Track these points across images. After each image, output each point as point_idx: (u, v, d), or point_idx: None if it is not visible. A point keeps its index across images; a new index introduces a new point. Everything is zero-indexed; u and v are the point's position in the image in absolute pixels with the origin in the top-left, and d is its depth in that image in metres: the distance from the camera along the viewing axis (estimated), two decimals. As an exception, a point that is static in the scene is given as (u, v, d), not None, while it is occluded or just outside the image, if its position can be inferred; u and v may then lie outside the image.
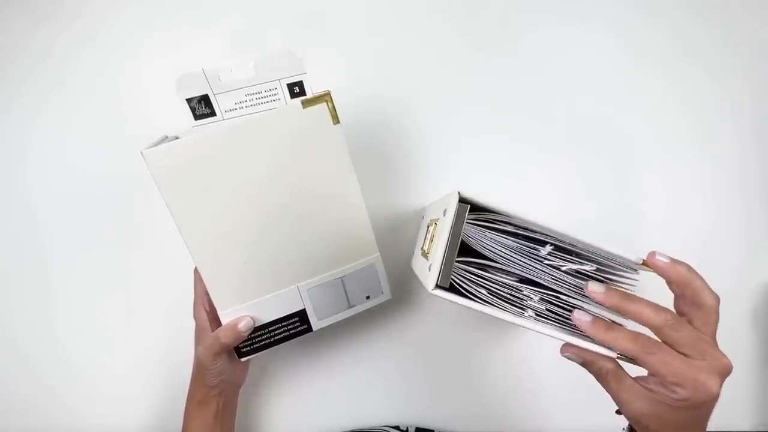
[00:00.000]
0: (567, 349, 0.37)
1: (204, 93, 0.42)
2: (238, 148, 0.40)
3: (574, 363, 0.37)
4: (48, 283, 0.55)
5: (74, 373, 0.56)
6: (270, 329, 0.46)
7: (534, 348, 0.57)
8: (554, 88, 0.55)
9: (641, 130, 0.56)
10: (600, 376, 0.36)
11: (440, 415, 0.59)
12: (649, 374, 0.34)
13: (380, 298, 0.49)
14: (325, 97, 0.41)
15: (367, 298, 0.48)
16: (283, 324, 0.46)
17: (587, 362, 0.37)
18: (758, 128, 0.56)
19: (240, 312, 0.44)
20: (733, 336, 0.59)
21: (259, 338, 0.46)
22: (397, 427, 0.57)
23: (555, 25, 0.54)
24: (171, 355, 0.56)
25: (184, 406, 0.48)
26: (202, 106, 0.43)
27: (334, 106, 0.41)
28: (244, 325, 0.43)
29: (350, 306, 0.48)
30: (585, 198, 0.56)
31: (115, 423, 0.57)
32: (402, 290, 0.56)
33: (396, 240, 0.54)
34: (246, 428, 0.58)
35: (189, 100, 0.42)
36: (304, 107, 0.41)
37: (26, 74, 0.52)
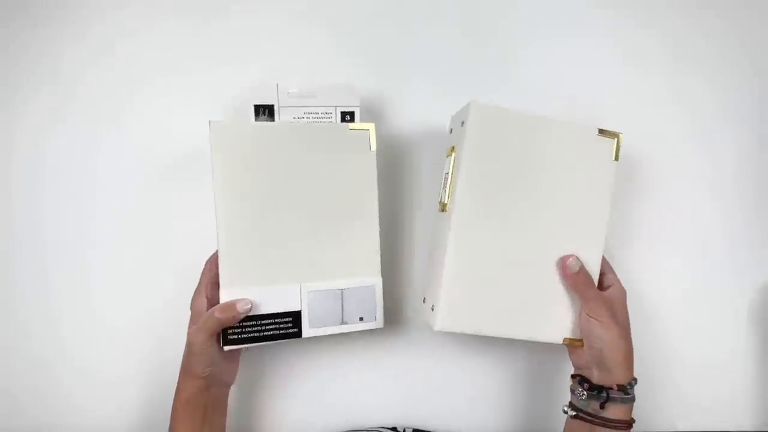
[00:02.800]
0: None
1: (271, 103, 0.50)
2: (289, 144, 0.47)
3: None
4: (44, 280, 0.55)
5: (64, 372, 0.55)
6: (262, 322, 0.46)
7: (532, 349, 0.57)
8: (553, 90, 0.58)
9: (639, 132, 0.57)
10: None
11: (438, 416, 0.56)
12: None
13: (372, 324, 0.50)
14: (368, 126, 0.49)
15: (361, 319, 0.49)
16: (276, 321, 0.47)
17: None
18: (757, 129, 0.59)
19: (241, 296, 0.45)
20: (732, 336, 0.59)
21: (249, 329, 0.46)
22: (394, 429, 0.54)
23: (554, 27, 0.58)
24: (161, 355, 0.55)
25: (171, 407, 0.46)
26: (265, 114, 0.50)
27: (374, 136, 0.49)
28: (241, 305, 0.44)
29: (343, 322, 0.49)
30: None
31: (104, 423, 0.55)
32: (401, 291, 0.57)
33: (400, 280, 0.57)
34: (242, 429, 0.55)
35: (257, 106, 0.50)
36: (350, 129, 0.48)
37: (44, 79, 0.55)
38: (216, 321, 0.44)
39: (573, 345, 0.47)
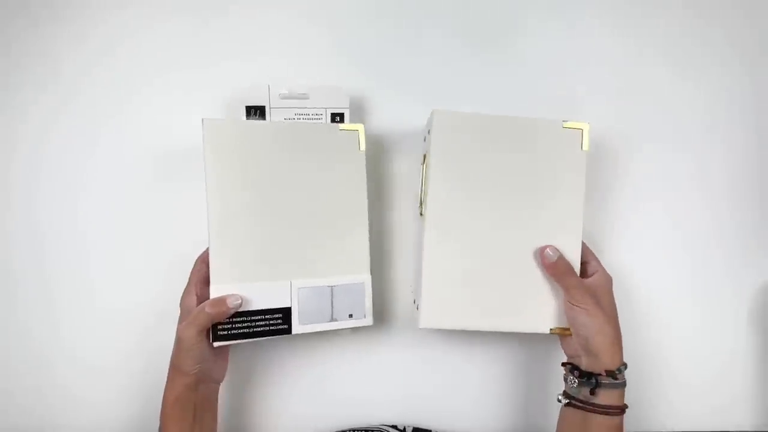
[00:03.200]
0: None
1: (263, 104, 0.51)
2: (280, 143, 0.48)
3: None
4: (43, 279, 0.55)
5: (64, 369, 0.55)
6: (252, 318, 0.47)
7: (529, 342, 0.57)
8: (545, 91, 0.58)
9: (637, 133, 0.59)
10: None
11: (438, 415, 0.57)
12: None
13: (362, 321, 0.50)
14: (357, 127, 0.50)
15: (350, 316, 0.50)
16: (266, 317, 0.47)
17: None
18: (756, 129, 0.59)
19: (231, 292, 0.46)
20: (732, 337, 0.59)
21: (239, 325, 0.46)
22: (395, 426, 0.55)
23: (553, 22, 0.59)
24: (161, 351, 0.53)
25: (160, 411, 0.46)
26: (256, 115, 0.51)
27: (363, 136, 0.50)
28: (231, 300, 0.45)
29: (332, 319, 0.49)
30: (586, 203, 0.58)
31: (104, 419, 0.55)
32: (390, 289, 0.57)
33: (389, 278, 0.57)
34: (241, 428, 0.55)
35: (248, 108, 0.51)
36: (340, 129, 0.50)
37: (47, 78, 0.55)
38: (206, 316, 0.44)
39: (562, 334, 0.48)
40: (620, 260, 0.58)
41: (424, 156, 0.51)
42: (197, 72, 0.56)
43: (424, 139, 0.52)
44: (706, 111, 0.59)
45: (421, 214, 0.50)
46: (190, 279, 0.48)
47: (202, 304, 0.45)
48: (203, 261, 0.48)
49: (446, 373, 0.58)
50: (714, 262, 0.59)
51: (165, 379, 0.46)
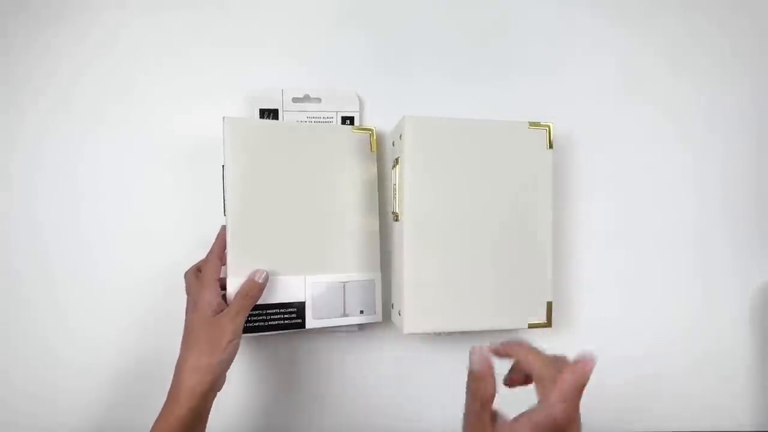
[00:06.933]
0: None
1: (276, 108, 0.53)
2: (296, 142, 0.50)
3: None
4: (46, 280, 0.54)
5: (55, 372, 0.53)
6: (267, 311, 0.47)
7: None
8: (551, 93, 0.58)
9: (638, 132, 0.59)
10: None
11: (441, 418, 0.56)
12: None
13: (372, 318, 0.52)
14: (369, 130, 0.53)
15: (361, 312, 0.51)
16: (281, 311, 0.48)
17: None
18: (756, 129, 0.60)
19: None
20: (732, 336, 0.59)
21: (255, 318, 0.47)
22: None
23: (547, 31, 0.59)
24: (160, 351, 0.53)
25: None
26: (269, 117, 0.53)
27: (375, 138, 0.53)
28: (258, 276, 0.45)
29: (345, 314, 0.50)
30: (584, 202, 0.59)
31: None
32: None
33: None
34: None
35: (262, 111, 0.53)
36: (353, 131, 0.52)
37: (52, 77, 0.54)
38: (250, 300, 0.45)
39: (539, 327, 0.50)
40: (620, 259, 0.58)
41: (395, 161, 0.51)
42: (203, 74, 0.55)
43: (393, 144, 0.54)
44: (706, 110, 0.60)
45: (395, 220, 0.51)
46: (207, 276, 0.46)
47: (237, 293, 0.45)
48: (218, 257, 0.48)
49: (450, 378, 0.55)
50: (714, 261, 0.60)
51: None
